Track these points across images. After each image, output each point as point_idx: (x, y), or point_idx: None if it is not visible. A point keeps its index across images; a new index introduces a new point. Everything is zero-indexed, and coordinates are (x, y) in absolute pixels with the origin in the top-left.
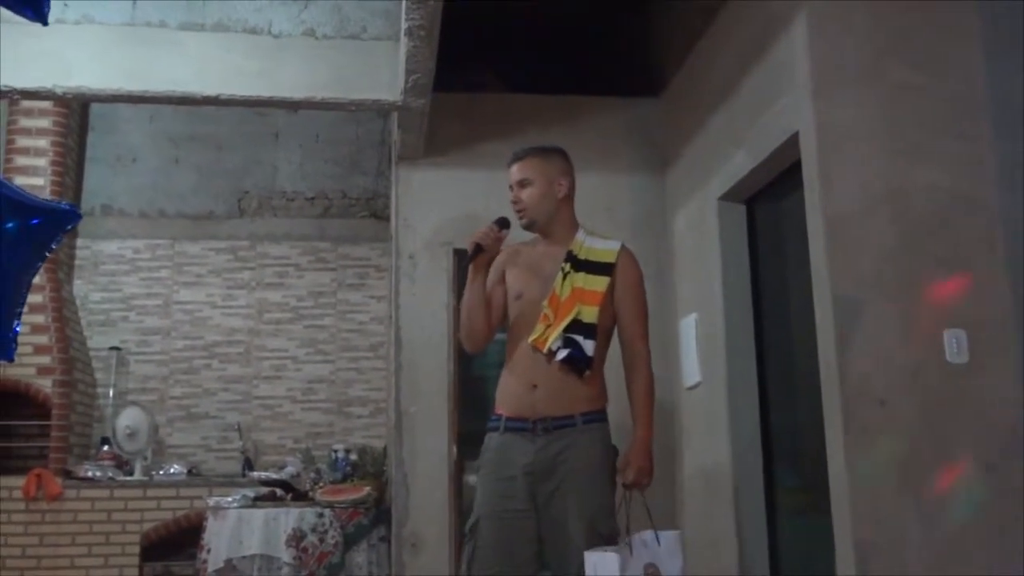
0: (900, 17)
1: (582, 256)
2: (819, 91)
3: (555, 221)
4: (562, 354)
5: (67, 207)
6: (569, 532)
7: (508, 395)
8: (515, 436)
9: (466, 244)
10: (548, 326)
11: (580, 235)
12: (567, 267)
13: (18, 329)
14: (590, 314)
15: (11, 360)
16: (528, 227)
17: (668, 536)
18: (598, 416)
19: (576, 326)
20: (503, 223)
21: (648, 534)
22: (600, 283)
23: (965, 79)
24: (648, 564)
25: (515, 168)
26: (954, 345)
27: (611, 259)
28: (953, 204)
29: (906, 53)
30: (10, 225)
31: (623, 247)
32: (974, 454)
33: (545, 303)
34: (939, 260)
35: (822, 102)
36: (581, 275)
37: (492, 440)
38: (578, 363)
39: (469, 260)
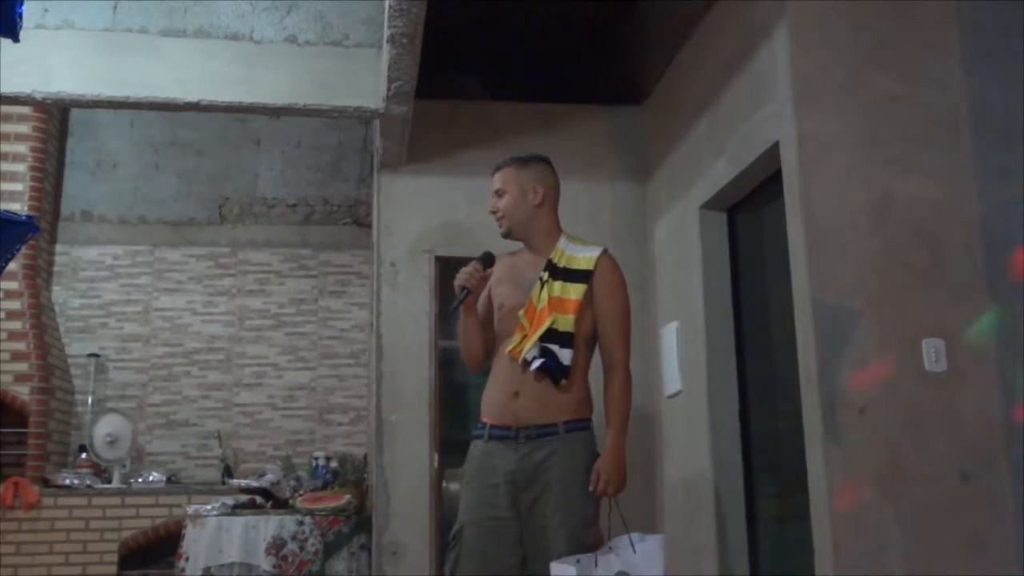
0: (881, 28)
1: (561, 264)
2: (800, 101)
3: (534, 229)
4: (537, 363)
5: (25, 219)
6: (551, 540)
7: (492, 403)
8: (498, 444)
9: (453, 286)
10: (524, 336)
11: (561, 243)
12: (545, 276)
13: None
14: (566, 323)
15: None
16: (506, 235)
17: (647, 542)
18: (581, 424)
19: (552, 335)
20: (487, 260)
21: (621, 540)
22: (577, 291)
23: (946, 90)
24: (619, 572)
25: (495, 178)
26: (933, 354)
27: (589, 266)
28: (933, 214)
29: (887, 64)
30: None
31: (603, 253)
32: (952, 462)
33: (521, 313)
34: (919, 270)
35: (803, 112)
36: (558, 283)
37: (476, 448)
38: (553, 372)
39: (457, 304)
